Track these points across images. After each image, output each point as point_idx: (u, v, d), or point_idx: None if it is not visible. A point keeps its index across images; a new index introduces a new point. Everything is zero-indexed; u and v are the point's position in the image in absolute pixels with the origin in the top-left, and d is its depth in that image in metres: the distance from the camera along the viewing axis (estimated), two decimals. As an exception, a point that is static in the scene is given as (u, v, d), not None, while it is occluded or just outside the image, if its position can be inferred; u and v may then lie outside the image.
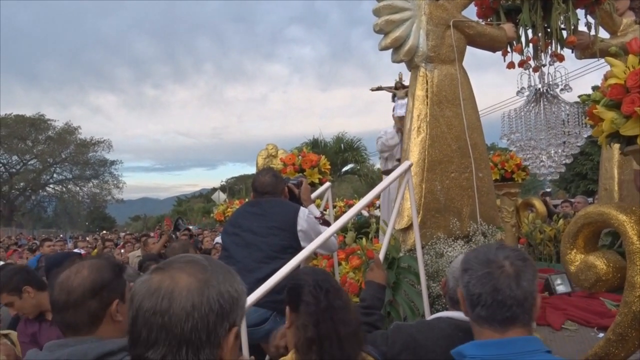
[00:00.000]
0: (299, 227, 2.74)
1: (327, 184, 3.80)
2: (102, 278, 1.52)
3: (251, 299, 2.14)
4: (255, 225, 2.78)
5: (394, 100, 5.81)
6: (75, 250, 7.96)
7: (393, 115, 5.57)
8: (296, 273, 1.84)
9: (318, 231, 2.79)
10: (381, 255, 2.66)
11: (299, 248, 2.66)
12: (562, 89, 4.09)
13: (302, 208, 2.87)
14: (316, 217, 2.95)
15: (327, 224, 3.01)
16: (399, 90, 5.62)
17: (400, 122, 5.12)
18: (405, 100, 5.19)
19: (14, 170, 44.48)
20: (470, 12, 4.11)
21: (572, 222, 2.18)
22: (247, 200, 9.60)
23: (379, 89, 6.34)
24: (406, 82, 5.40)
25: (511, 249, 1.38)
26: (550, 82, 4.12)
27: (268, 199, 2.90)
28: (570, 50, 4.26)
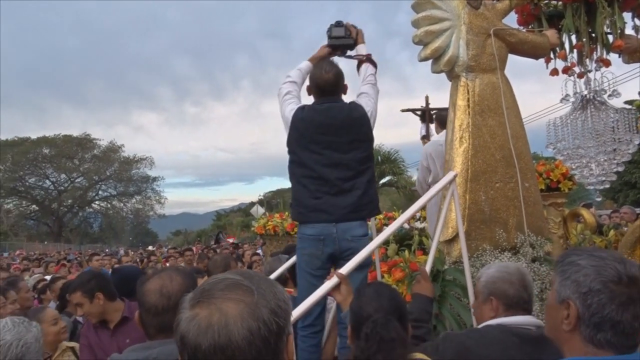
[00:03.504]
0: (371, 123, 2.90)
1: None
2: (194, 282, 1.69)
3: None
4: (334, 142, 2.82)
5: (423, 121, 5.90)
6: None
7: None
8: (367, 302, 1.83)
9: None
10: (427, 268, 2.62)
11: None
12: (610, 95, 3.95)
13: (364, 104, 2.93)
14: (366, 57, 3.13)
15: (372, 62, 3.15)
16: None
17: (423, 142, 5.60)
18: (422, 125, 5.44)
19: (62, 188, 46.42)
20: (511, 20, 4.05)
21: (629, 232, 2.10)
22: (287, 213, 9.67)
23: (408, 110, 6.52)
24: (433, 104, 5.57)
25: (633, 264, 1.24)
26: (597, 88, 3.99)
27: (333, 106, 2.90)
28: (617, 55, 4.12)
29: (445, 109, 5.73)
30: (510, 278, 1.93)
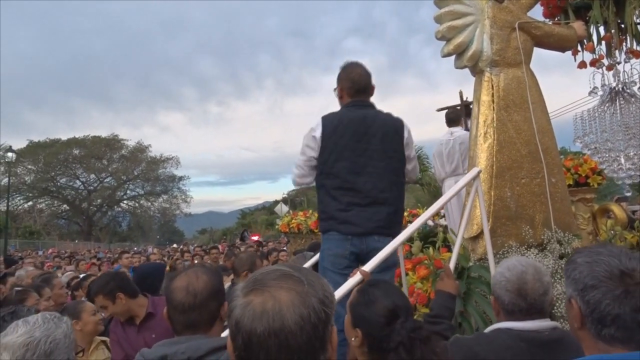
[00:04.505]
0: (405, 143, 2.89)
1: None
2: (219, 281, 1.73)
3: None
4: (369, 149, 2.77)
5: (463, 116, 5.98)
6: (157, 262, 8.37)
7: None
8: (379, 301, 1.71)
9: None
10: (451, 265, 2.60)
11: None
12: (640, 87, 3.85)
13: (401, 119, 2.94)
14: None
15: None
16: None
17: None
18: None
19: (91, 188, 47.50)
20: (537, 13, 3.97)
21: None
22: (310, 211, 9.69)
23: (444, 109, 6.53)
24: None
25: (632, 257, 1.22)
26: (627, 80, 3.89)
27: (368, 113, 2.86)
28: (647, 46, 4.01)
29: (453, 107, 5.74)
30: (506, 285, 1.83)
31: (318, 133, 2.82)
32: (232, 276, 4.55)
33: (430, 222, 5.94)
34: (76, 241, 41.06)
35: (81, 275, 6.67)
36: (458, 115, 5.89)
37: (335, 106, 3.05)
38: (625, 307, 1.16)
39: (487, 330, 1.96)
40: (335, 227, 2.77)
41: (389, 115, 2.93)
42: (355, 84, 2.88)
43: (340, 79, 2.96)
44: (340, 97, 2.98)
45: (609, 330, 1.18)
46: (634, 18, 3.73)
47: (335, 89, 3.03)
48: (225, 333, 1.89)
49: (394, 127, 2.87)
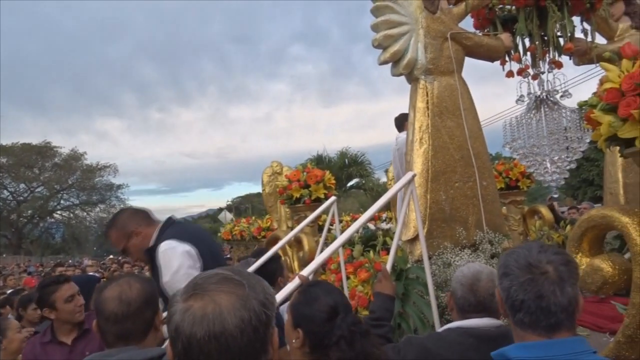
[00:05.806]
0: None
1: (332, 197, 3.80)
2: (153, 289, 1.68)
3: None
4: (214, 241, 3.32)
5: None
6: (91, 274, 8.01)
7: None
8: (318, 298, 1.74)
9: None
10: (388, 266, 2.67)
11: None
12: (561, 95, 4.12)
13: None
14: None
15: None
16: None
17: None
18: None
19: (21, 198, 44.73)
20: (467, 24, 4.17)
21: (576, 225, 2.20)
22: (253, 218, 9.62)
23: None
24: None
25: (553, 252, 1.33)
26: (550, 89, 4.15)
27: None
28: (568, 57, 4.30)
29: (403, 114, 5.87)
30: (461, 279, 1.97)
31: (187, 247, 2.49)
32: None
33: (371, 226, 6.05)
34: (4, 255, 38.51)
35: (8, 291, 6.29)
36: (402, 121, 6.02)
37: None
38: (529, 294, 1.27)
39: (440, 330, 2.05)
40: None
41: None
42: (145, 211, 2.74)
43: (127, 226, 2.64)
44: (144, 238, 2.61)
45: (519, 315, 1.29)
46: (555, 31, 4.00)
47: (128, 255, 2.75)
48: (166, 343, 1.85)
49: None
